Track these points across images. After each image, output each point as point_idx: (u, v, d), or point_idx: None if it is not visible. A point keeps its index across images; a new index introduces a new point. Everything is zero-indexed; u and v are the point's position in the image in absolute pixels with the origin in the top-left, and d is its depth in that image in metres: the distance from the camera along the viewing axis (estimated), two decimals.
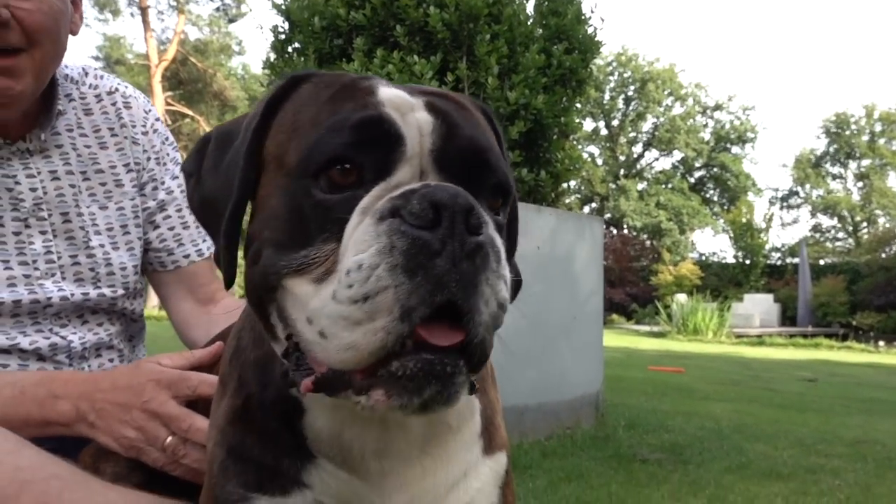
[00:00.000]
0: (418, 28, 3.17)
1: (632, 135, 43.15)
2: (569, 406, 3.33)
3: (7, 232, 1.35)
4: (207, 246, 1.64)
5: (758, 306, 23.66)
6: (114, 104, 1.55)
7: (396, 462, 0.79)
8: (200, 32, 37.67)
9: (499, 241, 0.64)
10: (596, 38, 3.60)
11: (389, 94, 0.69)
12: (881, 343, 17.01)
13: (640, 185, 41.76)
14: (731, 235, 30.34)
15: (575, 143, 3.67)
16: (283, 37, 3.73)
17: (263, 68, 3.74)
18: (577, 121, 3.59)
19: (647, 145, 43.14)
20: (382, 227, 0.61)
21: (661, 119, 42.35)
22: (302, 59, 3.42)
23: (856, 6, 79.76)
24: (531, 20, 3.36)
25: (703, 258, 34.75)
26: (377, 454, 0.78)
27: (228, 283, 0.83)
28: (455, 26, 3.11)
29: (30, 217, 1.38)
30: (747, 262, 28.36)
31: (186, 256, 1.61)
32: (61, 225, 1.42)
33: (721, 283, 27.63)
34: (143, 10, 32.40)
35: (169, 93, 34.27)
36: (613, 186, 41.04)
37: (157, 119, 1.62)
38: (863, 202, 40.53)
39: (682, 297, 20.43)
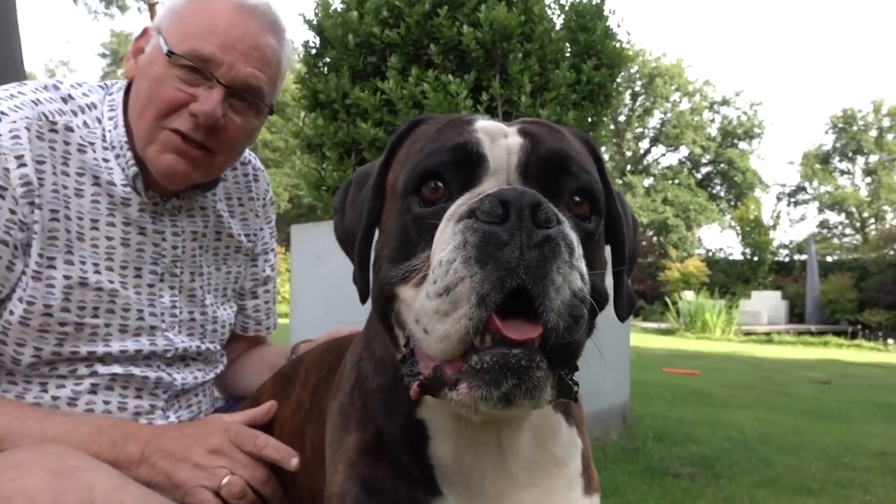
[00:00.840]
0: (452, 47, 3.22)
1: (638, 130, 43.09)
2: (597, 418, 3.38)
3: (143, 283, 1.43)
4: (274, 323, 1.78)
5: (766, 303, 23.68)
6: (245, 175, 1.65)
7: (510, 487, 0.85)
8: None
9: (573, 237, 0.70)
10: (623, 53, 3.63)
11: (485, 125, 0.79)
12: (890, 341, 17.01)
13: (647, 181, 41.71)
14: (739, 232, 30.32)
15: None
16: (314, 51, 3.78)
17: (295, 82, 3.79)
18: (604, 134, 3.63)
19: (654, 141, 43.08)
20: (459, 227, 0.68)
21: (668, 115, 42.27)
22: (335, 75, 3.47)
23: (862, 2, 79.37)
24: (561, 37, 3.39)
25: (711, 254, 34.73)
26: (493, 477, 0.85)
27: (363, 299, 0.91)
28: (488, 45, 3.15)
29: (165, 273, 1.47)
30: (755, 258, 28.37)
31: (268, 328, 1.75)
32: (188, 283, 1.52)
33: (729, 279, 27.65)
34: (151, 7, 32.48)
35: None
36: (620, 182, 41.02)
37: (272, 198, 1.75)
38: (871, 198, 40.44)
39: (689, 295, 20.47)
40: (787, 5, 79.29)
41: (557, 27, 3.53)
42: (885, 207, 39.74)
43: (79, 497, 1.06)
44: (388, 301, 0.76)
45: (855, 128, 41.90)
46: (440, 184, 0.75)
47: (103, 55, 41.57)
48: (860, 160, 42.46)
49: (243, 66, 1.33)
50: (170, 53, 1.30)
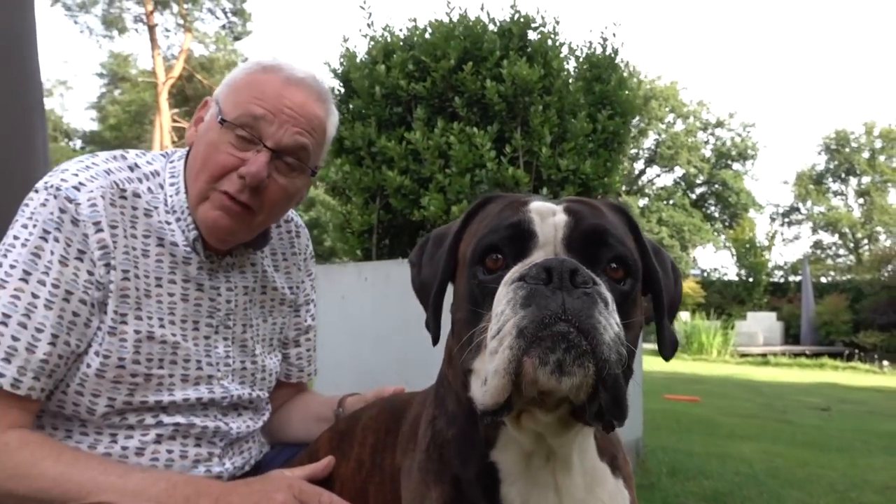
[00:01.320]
0: (476, 100, 3.38)
1: (633, 151, 43.41)
2: None
3: (200, 336, 1.56)
4: (315, 369, 1.92)
5: (761, 324, 23.80)
6: (289, 232, 1.79)
7: None
8: (206, 50, 37.92)
9: (608, 295, 0.84)
10: (635, 102, 3.81)
11: (537, 205, 0.94)
12: (885, 363, 17.13)
13: (642, 202, 41.95)
14: (734, 253, 30.49)
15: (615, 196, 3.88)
16: (338, 99, 3.93)
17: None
18: (618, 179, 3.79)
19: (649, 162, 43.38)
20: (511, 287, 0.84)
21: (663, 136, 42.61)
22: (361, 123, 3.63)
23: (856, 25, 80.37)
24: (577, 88, 3.56)
25: (705, 275, 34.89)
26: None
27: (435, 341, 1.06)
28: (510, 98, 3.32)
29: (220, 325, 1.60)
30: (750, 279, 28.51)
31: (309, 375, 1.86)
32: (240, 334, 1.64)
33: (724, 300, 27.77)
34: (151, 28, 32.73)
35: (175, 110, 34.50)
36: (599, 199, 41.22)
37: (312, 253, 1.88)
38: (864, 219, 40.74)
39: (684, 316, 20.59)
40: (782, 28, 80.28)
41: (572, 77, 3.70)
42: (879, 229, 40.03)
43: None
44: (466, 375, 0.90)
45: (847, 149, 42.29)
46: (499, 256, 0.91)
47: (101, 75, 41.67)
48: (853, 181, 42.82)
49: (289, 129, 1.46)
50: (223, 121, 1.44)
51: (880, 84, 76.62)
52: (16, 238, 1.38)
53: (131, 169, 1.50)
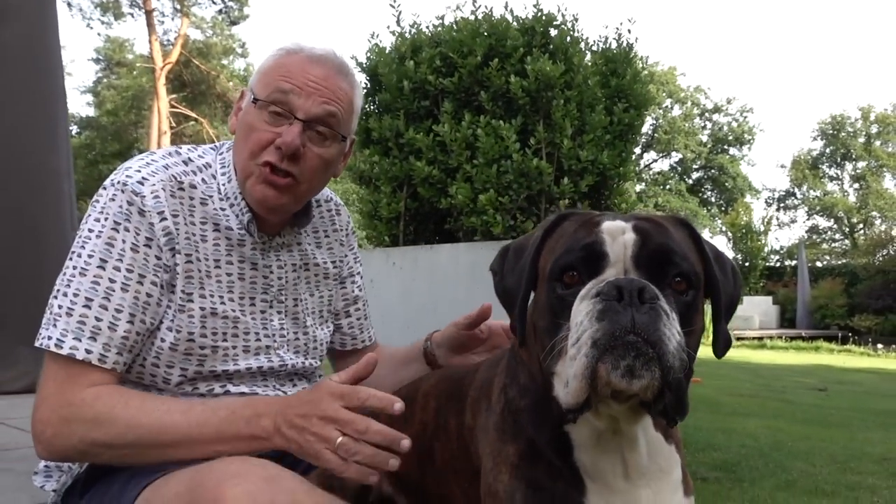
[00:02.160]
0: (501, 94, 3.57)
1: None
2: None
3: (257, 310, 1.70)
4: (370, 336, 2.02)
5: (757, 308, 24.04)
6: (329, 211, 1.92)
7: (632, 486, 1.15)
8: (203, 35, 37.75)
9: (669, 309, 0.99)
10: (649, 95, 4.00)
11: (608, 225, 1.08)
12: (879, 346, 17.41)
13: (639, 187, 42.09)
14: (730, 238, 30.65)
15: (627, 186, 4.09)
16: (365, 91, 4.12)
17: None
18: (632, 169, 3.99)
19: (646, 147, 43.48)
20: (588, 302, 1.00)
21: (661, 121, 42.69)
22: (389, 116, 3.81)
23: (852, 9, 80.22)
24: (595, 83, 3.75)
25: None
26: (621, 478, 1.14)
27: (521, 343, 1.19)
28: (533, 93, 3.50)
29: (273, 300, 1.74)
30: (746, 263, 28.71)
31: (363, 342, 1.98)
32: (292, 308, 1.79)
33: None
34: (148, 13, 32.57)
35: (173, 95, 34.42)
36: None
37: (353, 229, 2.02)
38: (859, 204, 40.97)
39: None
40: (779, 13, 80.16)
41: (589, 72, 3.88)
42: (874, 213, 40.28)
43: (286, 497, 1.38)
44: (549, 377, 1.07)
45: (843, 134, 42.42)
46: (575, 273, 1.06)
47: (97, 60, 41.49)
48: (849, 166, 43.01)
49: (316, 99, 1.58)
50: (255, 100, 1.59)
51: (877, 69, 76.69)
52: (90, 231, 1.53)
53: (185, 164, 1.65)
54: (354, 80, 1.71)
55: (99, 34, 38.64)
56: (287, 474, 1.44)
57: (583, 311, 0.99)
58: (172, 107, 33.43)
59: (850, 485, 3.29)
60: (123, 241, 1.52)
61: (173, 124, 33.39)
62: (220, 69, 37.87)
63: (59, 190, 4.66)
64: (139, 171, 1.57)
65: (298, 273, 1.82)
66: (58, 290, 1.51)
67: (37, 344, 1.49)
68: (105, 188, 1.58)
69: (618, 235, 1.06)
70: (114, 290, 1.50)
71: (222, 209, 1.66)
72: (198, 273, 1.60)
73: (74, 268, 1.51)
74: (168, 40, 34.65)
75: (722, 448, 3.95)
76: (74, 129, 39.17)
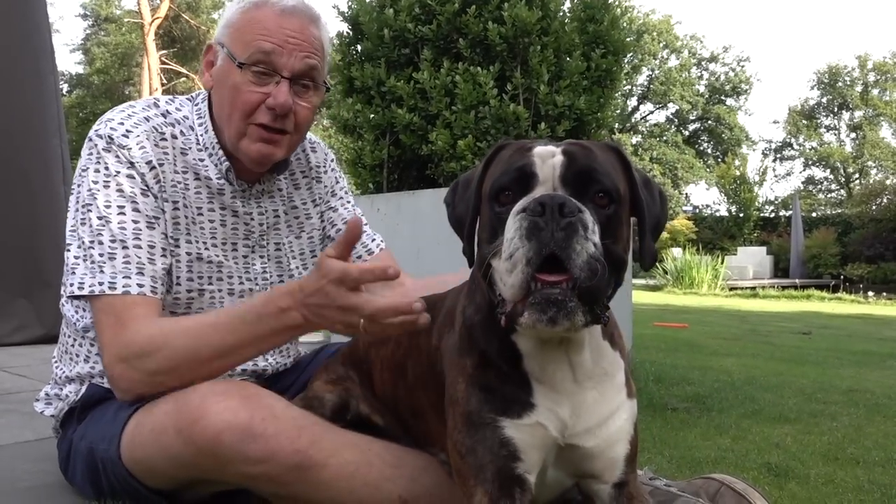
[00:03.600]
0: (479, 41, 3.63)
1: (626, 88, 43.11)
2: None
3: (239, 255, 1.81)
4: (377, 244, 2.06)
5: (751, 258, 24.25)
6: (303, 150, 1.99)
7: (578, 388, 1.28)
8: None
9: (589, 221, 1.11)
10: (627, 41, 4.06)
11: (540, 150, 1.20)
12: (870, 294, 17.62)
13: (635, 139, 41.87)
14: (721, 189, 30.66)
15: (608, 133, 4.17)
16: (347, 41, 4.17)
17: (331, 72, 4.18)
18: (610, 115, 4.07)
19: (642, 98, 43.14)
20: (517, 218, 1.12)
21: (657, 72, 42.26)
22: (370, 64, 3.88)
23: None
24: (573, 29, 3.81)
25: (698, 211, 35.18)
26: (567, 381, 1.27)
27: (470, 264, 1.29)
28: (511, 39, 3.57)
29: (255, 245, 1.84)
30: (740, 215, 28.80)
31: (359, 257, 2.02)
32: (274, 252, 1.88)
33: (715, 236, 28.11)
34: None
35: (163, 51, 33.96)
36: (596, 140, 41.16)
37: (332, 160, 2.10)
38: (855, 154, 40.85)
39: (676, 252, 21.00)
40: None
41: (567, 18, 3.94)
42: (870, 163, 40.21)
43: (264, 412, 1.47)
44: (486, 268, 1.19)
45: (840, 83, 42.05)
46: (509, 192, 1.18)
47: (84, 16, 40.83)
48: (845, 116, 42.76)
49: (298, 55, 1.65)
50: (241, 65, 1.64)
51: (874, 17, 75.52)
52: (94, 182, 1.61)
53: (164, 116, 1.72)
54: (324, 23, 1.78)
55: None
56: (265, 392, 1.58)
57: (512, 227, 1.11)
58: (163, 63, 33.02)
59: (814, 412, 3.46)
60: (132, 188, 1.62)
61: (164, 81, 33.04)
62: (210, 24, 37.31)
63: (49, 146, 4.72)
64: (122, 124, 1.65)
65: (280, 217, 1.90)
66: (91, 242, 1.59)
67: (84, 292, 1.58)
68: (92, 139, 1.65)
69: (547, 158, 1.18)
70: (141, 230, 1.61)
71: (201, 160, 1.75)
72: (184, 220, 1.70)
73: (99, 218, 1.59)
74: None
75: (696, 383, 4.12)
76: (65, 87, 38.77)
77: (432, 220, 3.51)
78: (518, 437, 1.24)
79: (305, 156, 2.00)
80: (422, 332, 1.55)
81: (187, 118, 1.78)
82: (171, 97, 1.83)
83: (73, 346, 1.81)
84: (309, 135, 2.01)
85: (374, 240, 2.10)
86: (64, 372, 1.83)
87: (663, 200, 1.34)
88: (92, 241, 1.59)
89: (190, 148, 1.74)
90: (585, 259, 1.08)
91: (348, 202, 2.08)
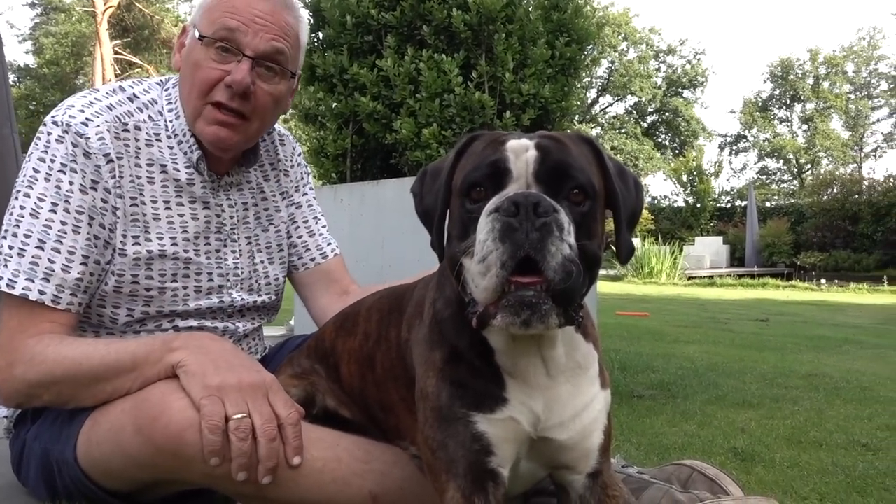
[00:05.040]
0: (443, 28, 3.58)
1: (586, 80, 43.44)
2: None
3: (211, 249, 1.75)
4: (332, 249, 2.05)
5: (708, 248, 24.72)
6: (272, 142, 1.94)
7: (552, 382, 1.25)
8: None
9: (564, 221, 1.07)
10: (591, 29, 4.05)
11: (513, 144, 1.16)
12: (823, 281, 18.10)
13: (595, 131, 42.28)
14: (676, 181, 31.19)
15: (571, 121, 4.16)
16: (309, 28, 4.08)
17: None
18: (575, 102, 4.06)
19: (602, 90, 43.57)
20: (489, 218, 1.07)
21: (616, 64, 42.70)
22: (332, 52, 3.80)
23: None
24: (537, 17, 3.78)
25: (656, 202, 35.73)
26: (540, 376, 1.24)
27: (440, 258, 1.24)
28: (475, 27, 3.53)
29: (227, 239, 1.78)
30: (697, 205, 29.33)
31: (312, 259, 2.01)
32: (245, 246, 1.82)
33: (673, 226, 28.59)
34: None
35: (117, 41, 33.14)
36: (568, 132, 41.47)
37: (300, 154, 2.05)
38: (807, 145, 41.88)
39: (635, 242, 21.31)
40: None
41: (532, 6, 3.91)
42: (821, 154, 41.27)
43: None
44: (457, 266, 1.15)
45: (792, 76, 43.02)
46: (482, 188, 1.14)
47: (33, 5, 39.54)
48: (797, 108, 43.78)
49: (264, 36, 1.60)
50: (202, 38, 1.59)
51: (825, 11, 77.40)
52: (36, 171, 1.53)
53: (131, 100, 1.65)
54: (300, 14, 1.72)
55: None
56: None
57: (485, 228, 1.06)
58: (116, 53, 32.22)
59: (775, 397, 3.52)
60: (71, 183, 1.52)
61: (118, 72, 32.24)
62: (164, 13, 36.52)
63: (0, 135, 4.53)
64: (83, 111, 1.57)
65: (249, 210, 1.85)
66: (6, 231, 1.51)
67: None
68: (47, 125, 1.56)
69: (521, 153, 1.13)
70: (66, 233, 1.52)
71: (170, 147, 1.67)
72: (142, 216, 1.62)
73: (23, 208, 1.51)
74: None
75: (660, 370, 4.16)
76: (13, 77, 37.54)
77: (397, 210, 3.46)
78: (491, 431, 1.21)
79: (274, 147, 1.96)
80: (391, 324, 1.52)
81: (156, 102, 1.71)
82: (139, 79, 1.76)
83: None
84: (278, 127, 1.97)
85: (329, 244, 2.06)
86: None
87: (638, 189, 1.30)
88: (6, 231, 1.51)
89: (158, 135, 1.66)
90: (560, 261, 1.04)
91: (313, 199, 2.05)
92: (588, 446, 1.30)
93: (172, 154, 1.69)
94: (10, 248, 1.50)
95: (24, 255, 1.50)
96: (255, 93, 1.63)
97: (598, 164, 1.22)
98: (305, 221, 2.04)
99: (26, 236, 1.50)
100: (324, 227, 2.08)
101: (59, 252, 1.51)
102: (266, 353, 2.03)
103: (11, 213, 1.53)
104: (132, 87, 1.71)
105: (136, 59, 33.38)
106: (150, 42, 35.54)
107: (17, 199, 1.54)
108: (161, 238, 1.65)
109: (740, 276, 19.86)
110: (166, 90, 1.74)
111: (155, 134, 1.67)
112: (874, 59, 41.07)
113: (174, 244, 1.68)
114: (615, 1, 41.27)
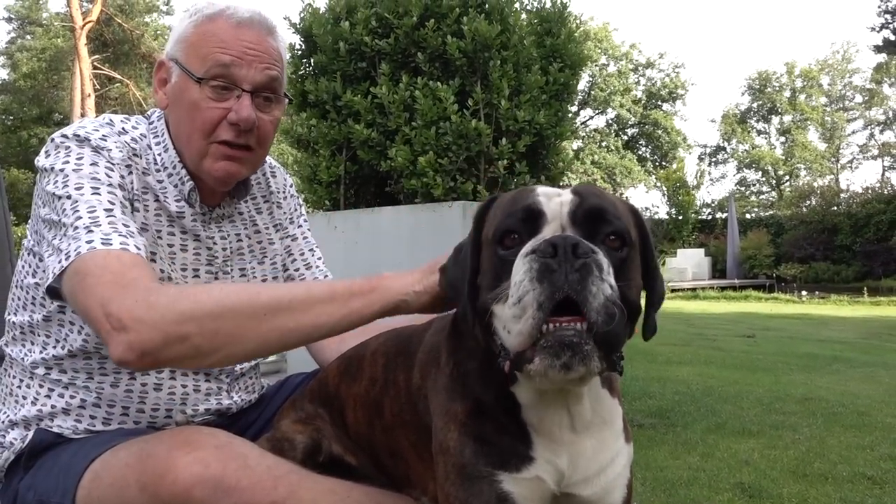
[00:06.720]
0: (438, 55, 3.56)
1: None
2: None
3: (201, 282, 1.69)
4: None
5: (690, 260, 24.87)
6: (263, 174, 1.90)
7: (577, 438, 1.20)
8: None
9: (604, 261, 1.03)
10: (584, 54, 4.05)
11: (543, 189, 1.14)
12: (804, 293, 18.26)
13: (576, 144, 42.51)
14: (665, 193, 31.39)
15: (565, 145, 4.15)
16: (300, 53, 4.04)
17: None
18: (568, 128, 4.05)
19: (583, 104, 43.86)
20: (526, 259, 1.03)
21: (597, 78, 43.05)
22: (325, 78, 3.76)
23: None
24: (531, 43, 3.77)
25: None
26: (566, 431, 1.19)
27: (472, 328, 1.20)
28: (470, 54, 3.51)
29: (218, 272, 1.73)
30: (679, 217, 29.53)
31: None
32: (239, 278, 1.79)
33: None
34: None
35: (96, 56, 32.87)
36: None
37: (291, 185, 2.01)
38: (785, 157, 42.40)
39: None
40: None
41: (525, 32, 3.90)
42: (799, 165, 41.79)
43: (236, 463, 1.40)
44: (486, 314, 1.11)
45: (769, 89, 43.62)
46: (515, 235, 1.10)
47: (9, 20, 39.15)
48: (775, 120, 44.36)
49: (258, 67, 1.55)
50: (198, 80, 1.53)
51: (801, 25, 78.76)
52: (62, 171, 1.45)
53: (120, 135, 1.59)
54: (280, 33, 1.69)
55: None
56: (238, 440, 1.46)
57: (522, 270, 1.02)
58: (95, 68, 31.93)
59: (775, 424, 3.51)
60: (109, 174, 1.48)
61: (97, 86, 31.94)
62: (143, 27, 36.31)
63: None
64: (97, 131, 1.53)
65: (243, 242, 1.81)
66: (67, 226, 1.40)
67: (70, 260, 1.33)
68: (55, 141, 1.51)
69: (553, 197, 1.11)
70: (115, 204, 1.45)
71: (159, 181, 1.63)
72: (149, 237, 1.59)
73: (69, 197, 1.42)
74: None
75: (657, 396, 4.14)
76: None
77: (392, 238, 3.41)
78: (516, 491, 1.16)
79: (266, 180, 1.92)
80: (398, 367, 1.48)
81: (144, 137, 1.66)
82: (126, 117, 1.72)
83: (18, 387, 1.66)
84: (269, 159, 1.93)
85: (326, 276, 2.03)
86: (8, 416, 1.68)
87: (658, 272, 1.26)
88: (68, 225, 1.39)
89: (148, 168, 1.63)
90: (602, 301, 0.99)
91: (308, 231, 2.01)
92: (611, 502, 1.27)
93: (162, 187, 1.65)
94: (86, 227, 1.38)
95: (99, 225, 1.39)
96: (259, 124, 1.60)
97: (636, 219, 1.19)
98: (302, 254, 2.00)
99: (91, 212, 1.40)
100: (320, 259, 2.04)
101: (126, 224, 1.43)
102: (264, 391, 1.98)
103: (64, 211, 1.43)
104: (121, 123, 1.67)
105: (115, 74, 33.11)
106: (129, 56, 35.25)
107: (59, 200, 1.44)
108: (163, 261, 1.60)
109: (723, 289, 19.99)
110: (151, 124, 1.70)
111: (147, 167, 1.64)
112: (848, 73, 41.83)
113: (174, 270, 1.63)
114: (595, 15, 41.60)
